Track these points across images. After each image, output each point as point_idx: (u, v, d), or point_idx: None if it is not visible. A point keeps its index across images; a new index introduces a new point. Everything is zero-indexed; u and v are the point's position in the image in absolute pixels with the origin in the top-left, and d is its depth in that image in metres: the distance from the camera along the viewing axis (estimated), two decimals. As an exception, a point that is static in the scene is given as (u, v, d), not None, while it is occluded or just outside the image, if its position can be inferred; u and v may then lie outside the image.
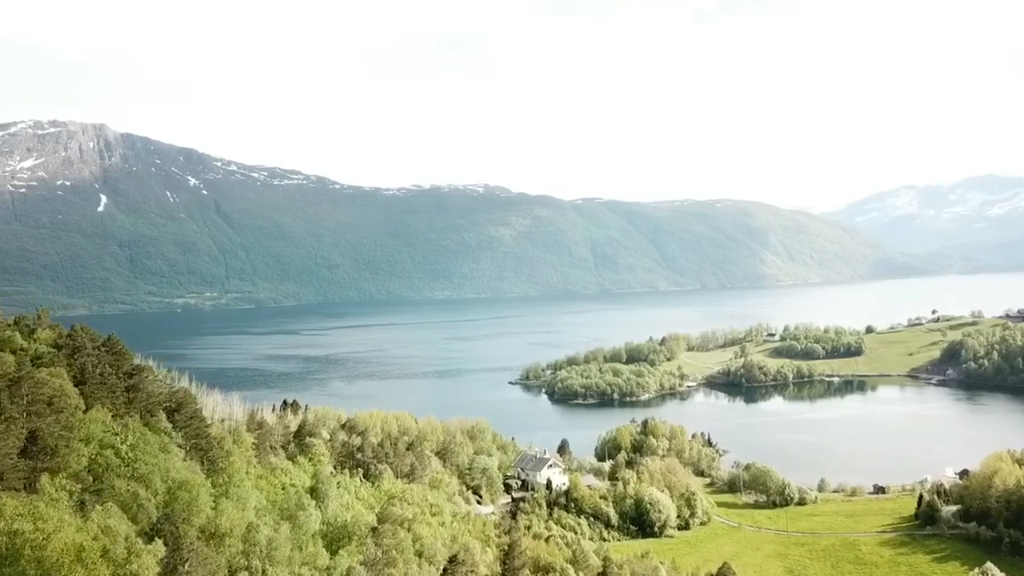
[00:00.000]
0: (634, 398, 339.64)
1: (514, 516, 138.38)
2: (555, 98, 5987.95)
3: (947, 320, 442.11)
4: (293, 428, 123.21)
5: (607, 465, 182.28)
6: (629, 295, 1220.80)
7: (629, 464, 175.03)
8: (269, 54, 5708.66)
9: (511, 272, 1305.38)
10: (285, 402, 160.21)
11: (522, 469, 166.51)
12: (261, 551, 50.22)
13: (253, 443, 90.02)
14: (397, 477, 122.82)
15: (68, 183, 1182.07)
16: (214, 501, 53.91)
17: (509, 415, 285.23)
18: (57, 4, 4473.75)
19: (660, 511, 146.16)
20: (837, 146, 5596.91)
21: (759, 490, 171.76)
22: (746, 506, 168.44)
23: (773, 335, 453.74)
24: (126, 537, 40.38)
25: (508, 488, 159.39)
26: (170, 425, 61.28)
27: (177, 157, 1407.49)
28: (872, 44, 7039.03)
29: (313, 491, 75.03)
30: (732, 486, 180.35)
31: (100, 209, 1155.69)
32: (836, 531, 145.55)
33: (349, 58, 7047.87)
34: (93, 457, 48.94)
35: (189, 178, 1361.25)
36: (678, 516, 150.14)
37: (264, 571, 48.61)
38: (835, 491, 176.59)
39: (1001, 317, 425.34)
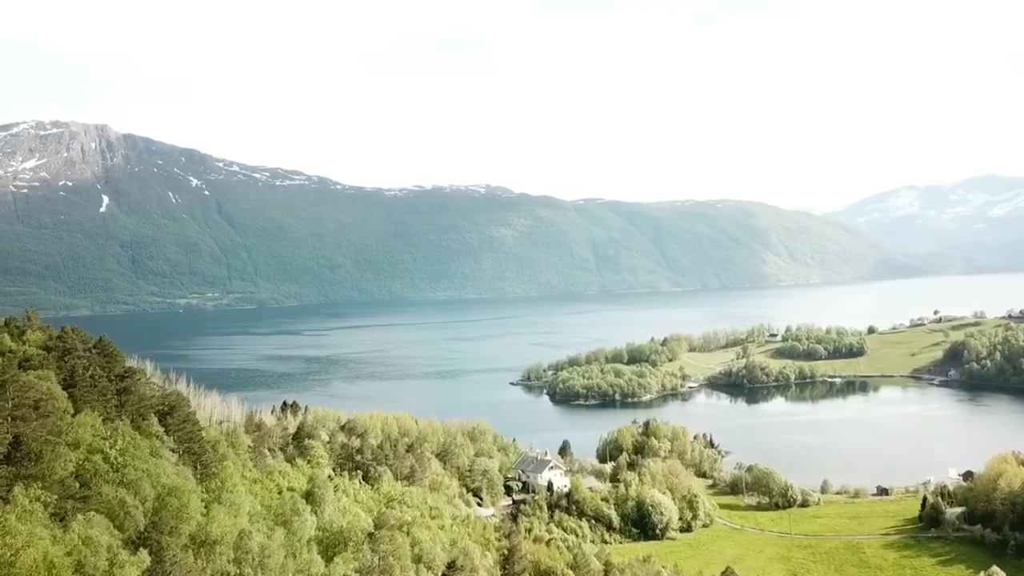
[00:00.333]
0: (636, 399, 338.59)
1: (515, 518, 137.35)
2: (556, 98, 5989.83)
3: (949, 321, 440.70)
4: (292, 430, 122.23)
5: (608, 467, 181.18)
6: (630, 295, 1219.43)
7: (631, 466, 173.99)
8: (269, 54, 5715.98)
9: (512, 272, 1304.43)
10: (285, 403, 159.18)
11: (523, 471, 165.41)
12: (253, 559, 49.02)
13: (249, 446, 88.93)
14: (397, 479, 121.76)
15: (70, 183, 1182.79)
16: (206, 507, 52.50)
17: (510, 416, 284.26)
18: (57, 4, 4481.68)
19: (662, 513, 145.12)
20: (838, 146, 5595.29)
21: (762, 492, 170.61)
22: (748, 508, 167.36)
23: (775, 336, 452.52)
24: (108, 548, 39.17)
25: (509, 490, 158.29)
26: (162, 429, 60.12)
27: (179, 158, 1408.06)
28: (873, 44, 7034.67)
29: (309, 495, 73.87)
30: (734, 488, 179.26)
31: (102, 209, 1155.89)
32: (839, 533, 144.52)
33: (349, 58, 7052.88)
34: (80, 463, 47.65)
35: (191, 179, 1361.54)
36: (680, 518, 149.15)
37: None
38: (838, 493, 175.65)
39: (1003, 318, 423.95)
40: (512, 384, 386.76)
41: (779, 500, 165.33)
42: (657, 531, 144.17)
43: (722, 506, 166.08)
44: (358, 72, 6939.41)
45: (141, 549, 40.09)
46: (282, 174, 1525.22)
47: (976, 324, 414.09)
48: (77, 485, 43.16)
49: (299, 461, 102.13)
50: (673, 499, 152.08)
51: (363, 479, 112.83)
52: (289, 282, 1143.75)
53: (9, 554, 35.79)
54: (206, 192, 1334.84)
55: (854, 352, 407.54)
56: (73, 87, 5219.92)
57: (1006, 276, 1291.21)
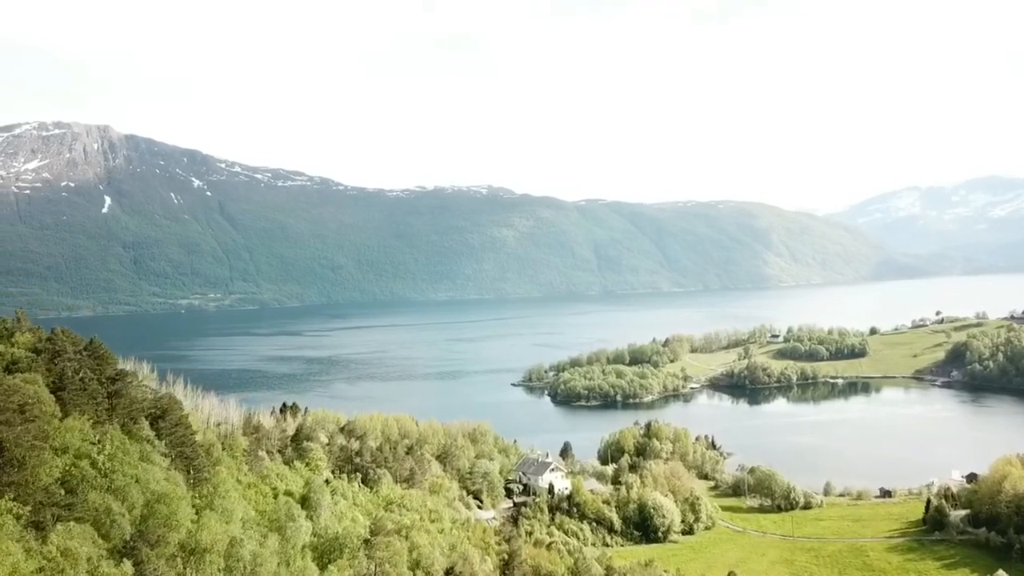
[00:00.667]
0: (637, 400, 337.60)
1: (515, 521, 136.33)
2: (557, 99, 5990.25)
3: (951, 321, 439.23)
4: (291, 432, 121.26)
5: (610, 469, 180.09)
6: (632, 296, 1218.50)
7: (632, 468, 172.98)
8: (269, 54, 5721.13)
9: (514, 273, 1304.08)
10: (284, 405, 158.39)
11: (524, 473, 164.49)
12: (245, 567, 47.85)
13: (245, 449, 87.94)
14: (396, 482, 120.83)
15: (72, 184, 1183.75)
16: (196, 514, 51.46)
17: (511, 417, 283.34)
18: (57, 4, 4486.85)
19: (664, 516, 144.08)
20: (840, 147, 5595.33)
21: (764, 494, 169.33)
22: (751, 510, 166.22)
23: (777, 336, 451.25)
24: (89, 559, 38.06)
25: (509, 492, 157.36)
26: (153, 433, 59.06)
27: (181, 158, 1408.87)
28: (874, 44, 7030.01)
29: (305, 500, 72.81)
30: (736, 489, 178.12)
31: (104, 210, 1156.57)
32: (843, 536, 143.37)
33: (349, 58, 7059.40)
34: (67, 469, 46.48)
35: (193, 179, 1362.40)
36: (682, 521, 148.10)
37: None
38: (841, 495, 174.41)
39: (1006, 318, 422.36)
40: (513, 385, 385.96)
41: (781, 502, 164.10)
42: (659, 534, 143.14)
43: (724, 508, 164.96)
44: (358, 72, 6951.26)
45: (124, 560, 39.12)
46: (284, 175, 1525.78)
47: (978, 325, 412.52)
48: (62, 492, 42.02)
49: (297, 464, 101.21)
50: (675, 501, 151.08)
51: (362, 482, 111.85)
52: (291, 283, 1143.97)
53: None
54: (208, 193, 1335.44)
55: (856, 353, 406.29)
56: (73, 87, 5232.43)
57: (1007, 277, 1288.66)
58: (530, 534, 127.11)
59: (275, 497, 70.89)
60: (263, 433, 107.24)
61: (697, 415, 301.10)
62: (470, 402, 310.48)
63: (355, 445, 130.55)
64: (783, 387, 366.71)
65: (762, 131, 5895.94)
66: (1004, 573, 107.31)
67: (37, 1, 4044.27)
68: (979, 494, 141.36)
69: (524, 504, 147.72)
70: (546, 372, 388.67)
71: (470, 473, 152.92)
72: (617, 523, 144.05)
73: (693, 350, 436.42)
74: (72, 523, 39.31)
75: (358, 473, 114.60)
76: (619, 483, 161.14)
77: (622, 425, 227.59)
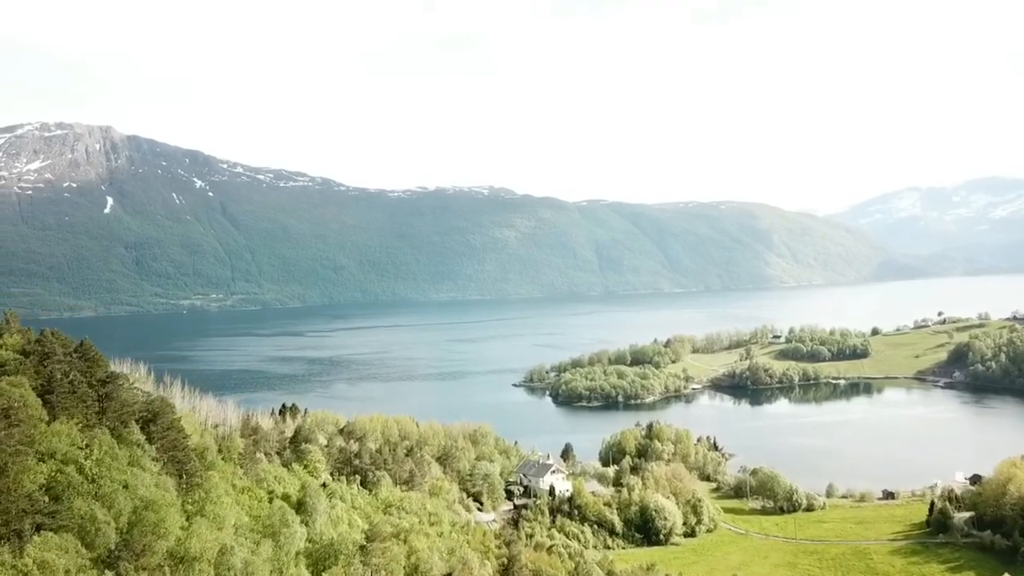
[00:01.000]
0: (639, 400, 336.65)
1: (516, 524, 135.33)
2: (557, 99, 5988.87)
3: (953, 322, 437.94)
4: (289, 433, 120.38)
5: (611, 470, 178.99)
6: (633, 297, 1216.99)
7: (634, 470, 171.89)
8: (270, 54, 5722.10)
9: (515, 274, 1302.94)
10: (284, 406, 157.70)
11: (524, 475, 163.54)
12: (236, 576, 47.05)
13: (241, 452, 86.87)
14: (396, 484, 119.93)
15: (74, 185, 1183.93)
16: (187, 520, 50.24)
17: (512, 418, 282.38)
18: (57, 4, 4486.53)
19: (666, 518, 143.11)
20: (841, 148, 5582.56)
21: (766, 495, 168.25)
22: (753, 512, 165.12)
23: (778, 337, 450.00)
24: (67, 572, 36.60)
25: (510, 495, 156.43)
26: (143, 437, 57.98)
27: (183, 159, 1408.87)
28: (875, 45, 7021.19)
29: (300, 504, 71.71)
30: (739, 491, 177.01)
31: (106, 211, 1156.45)
32: (846, 539, 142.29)
33: (349, 58, 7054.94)
34: (52, 475, 44.98)
35: (195, 180, 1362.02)
36: (684, 523, 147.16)
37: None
38: (843, 496, 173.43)
39: (1008, 319, 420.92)
40: (515, 386, 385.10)
41: (784, 504, 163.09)
42: (661, 537, 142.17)
43: (726, 510, 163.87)
44: (359, 72, 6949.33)
45: (107, 572, 37.85)
46: (286, 175, 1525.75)
47: (980, 326, 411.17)
48: (46, 499, 40.82)
49: (295, 466, 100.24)
50: (677, 503, 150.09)
51: (361, 484, 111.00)
52: (293, 283, 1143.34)
53: None
54: (210, 193, 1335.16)
55: (858, 353, 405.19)
56: (73, 87, 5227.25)
57: (1009, 277, 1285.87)
58: (531, 537, 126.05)
59: (270, 501, 69.74)
60: (261, 435, 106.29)
61: (699, 416, 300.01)
62: (471, 403, 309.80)
63: (354, 447, 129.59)
64: (785, 388, 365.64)
65: (763, 132, 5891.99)
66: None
67: (37, 1, 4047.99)
68: (983, 496, 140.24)
69: (525, 506, 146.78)
70: (547, 373, 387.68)
71: (470, 475, 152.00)
72: (619, 526, 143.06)
73: (695, 351, 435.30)
74: (51, 533, 37.89)
75: (357, 475, 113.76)
76: (620, 485, 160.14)
77: (623, 426, 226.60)
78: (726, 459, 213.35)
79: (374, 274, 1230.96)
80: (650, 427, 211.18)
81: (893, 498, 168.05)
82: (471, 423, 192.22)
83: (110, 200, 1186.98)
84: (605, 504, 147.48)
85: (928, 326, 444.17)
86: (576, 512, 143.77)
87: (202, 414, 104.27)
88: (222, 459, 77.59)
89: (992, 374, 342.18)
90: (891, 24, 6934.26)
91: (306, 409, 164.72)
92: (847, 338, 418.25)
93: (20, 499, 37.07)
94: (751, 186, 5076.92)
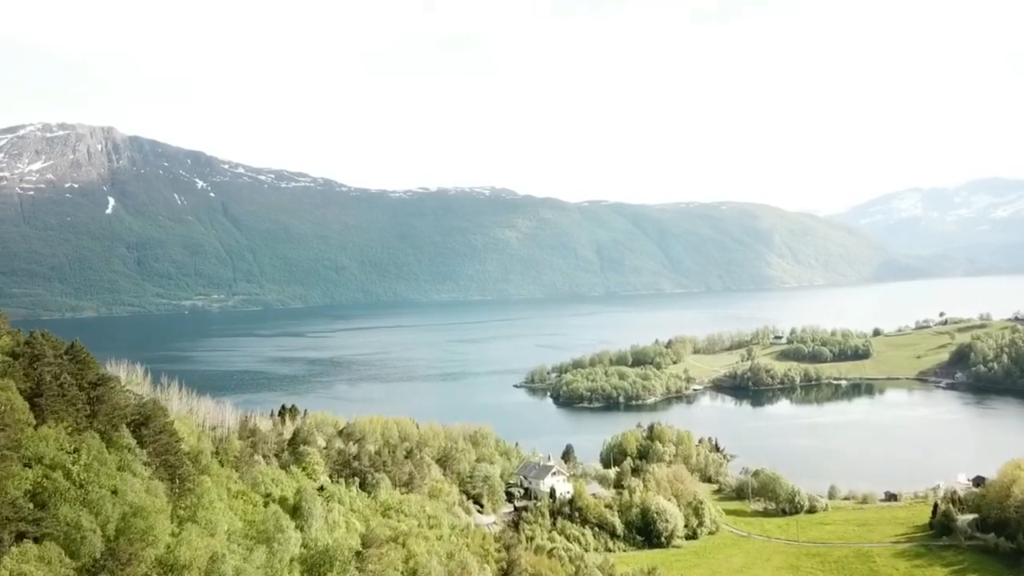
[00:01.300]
0: (640, 401, 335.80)
1: (516, 526, 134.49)
2: (558, 99, 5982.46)
3: (955, 322, 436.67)
4: (288, 435, 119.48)
5: (612, 472, 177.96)
6: (635, 297, 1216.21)
7: (635, 471, 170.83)
8: (270, 55, 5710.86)
9: (517, 274, 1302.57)
10: (283, 407, 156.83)
11: (525, 477, 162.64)
12: (226, 585, 45.88)
13: (237, 455, 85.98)
14: (395, 486, 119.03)
15: (76, 185, 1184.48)
16: (178, 526, 49.16)
17: (513, 419, 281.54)
18: (57, 4, 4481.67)
19: (667, 521, 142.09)
20: (842, 148, 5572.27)
21: (768, 497, 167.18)
22: (755, 514, 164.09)
23: (780, 338, 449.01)
24: None
25: (510, 497, 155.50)
26: (135, 441, 57.02)
27: (185, 160, 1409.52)
28: (876, 45, 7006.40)
29: (296, 509, 70.75)
30: (740, 493, 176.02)
31: (108, 211, 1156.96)
32: (848, 541, 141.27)
33: (350, 58, 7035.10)
34: (38, 480, 43.84)
35: (197, 180, 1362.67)
36: (686, 525, 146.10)
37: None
38: (846, 498, 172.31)
39: (1010, 319, 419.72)
40: (516, 386, 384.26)
41: (786, 506, 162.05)
42: (662, 539, 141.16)
43: (728, 512, 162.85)
44: (359, 72, 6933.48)
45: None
46: (287, 176, 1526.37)
47: (982, 326, 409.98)
48: (31, 506, 39.81)
49: (293, 468, 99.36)
50: (678, 506, 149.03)
51: (360, 486, 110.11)
52: (294, 284, 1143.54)
53: None
54: (211, 194, 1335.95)
55: (859, 354, 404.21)
56: (73, 87, 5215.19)
57: (1010, 278, 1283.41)
58: (531, 539, 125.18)
59: (265, 505, 68.79)
60: (259, 437, 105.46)
61: (700, 417, 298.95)
62: (471, 404, 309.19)
63: (353, 449, 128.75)
64: (786, 389, 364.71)
65: (764, 132, 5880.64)
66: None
67: (37, 1, 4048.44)
68: (987, 498, 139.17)
69: (525, 508, 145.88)
70: (548, 373, 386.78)
71: (470, 477, 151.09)
72: (620, 528, 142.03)
73: (696, 351, 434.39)
74: (32, 543, 36.88)
75: (356, 478, 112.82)
76: (622, 487, 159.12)
77: (625, 427, 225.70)
78: (727, 460, 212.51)
79: (375, 274, 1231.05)
80: (651, 428, 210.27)
81: (896, 500, 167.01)
82: (471, 424, 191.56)
83: (112, 200, 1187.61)
84: (606, 506, 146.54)
85: (930, 327, 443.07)
86: (577, 514, 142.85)
87: (199, 416, 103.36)
88: (218, 462, 76.64)
89: (994, 375, 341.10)
90: (892, 24, 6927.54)
91: (305, 410, 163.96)
92: (848, 339, 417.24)
93: (3, 506, 36.11)
94: (752, 186, 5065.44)
